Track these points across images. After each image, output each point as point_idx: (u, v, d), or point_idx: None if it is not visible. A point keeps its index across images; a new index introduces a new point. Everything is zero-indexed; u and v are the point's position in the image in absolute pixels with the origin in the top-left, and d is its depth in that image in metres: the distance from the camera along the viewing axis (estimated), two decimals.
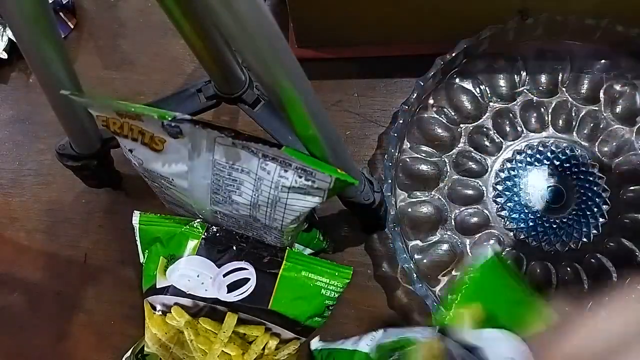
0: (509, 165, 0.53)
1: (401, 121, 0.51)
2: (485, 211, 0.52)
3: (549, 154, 0.53)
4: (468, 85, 0.55)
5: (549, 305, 0.38)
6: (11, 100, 0.67)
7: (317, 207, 0.39)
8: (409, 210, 0.53)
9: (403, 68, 0.59)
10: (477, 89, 0.55)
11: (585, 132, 0.53)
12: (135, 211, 0.48)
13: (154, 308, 0.48)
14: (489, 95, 0.55)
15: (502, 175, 0.53)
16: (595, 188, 0.51)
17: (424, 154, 0.54)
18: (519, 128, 0.54)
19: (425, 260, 0.51)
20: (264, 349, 0.46)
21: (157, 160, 0.40)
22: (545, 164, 0.53)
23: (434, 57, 0.52)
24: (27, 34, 0.36)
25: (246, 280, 0.45)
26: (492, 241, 0.50)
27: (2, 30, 0.66)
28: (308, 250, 0.51)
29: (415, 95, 0.51)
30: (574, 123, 0.53)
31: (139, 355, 0.50)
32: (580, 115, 0.53)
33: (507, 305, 0.38)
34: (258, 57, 0.30)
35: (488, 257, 0.39)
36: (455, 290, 0.39)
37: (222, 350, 0.45)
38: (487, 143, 0.54)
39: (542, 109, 0.54)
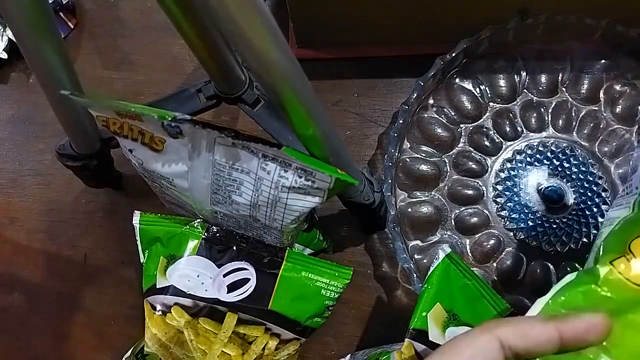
0: (509, 165, 0.53)
1: (401, 121, 0.51)
2: (485, 211, 0.52)
3: (549, 154, 0.53)
4: (468, 85, 0.55)
5: (505, 298, 0.39)
6: (11, 100, 0.67)
7: (317, 207, 0.39)
8: (409, 210, 0.53)
9: (403, 68, 0.59)
10: (477, 89, 0.55)
11: (585, 132, 0.53)
12: (135, 211, 0.48)
13: (154, 308, 0.48)
14: (489, 95, 0.55)
15: (502, 175, 0.53)
16: (595, 188, 0.51)
17: (424, 154, 0.54)
18: (519, 128, 0.54)
19: (425, 260, 0.51)
20: (263, 349, 0.46)
21: (157, 160, 0.40)
22: (545, 164, 0.53)
23: (434, 57, 0.52)
24: (27, 34, 0.36)
25: (246, 280, 0.45)
26: (445, 245, 0.50)
27: (2, 30, 0.66)
28: (308, 250, 0.51)
29: (415, 95, 0.51)
30: (574, 123, 0.53)
31: (139, 355, 0.50)
32: (580, 115, 0.53)
33: (466, 302, 0.39)
34: (258, 57, 0.30)
35: (440, 259, 0.40)
36: (419, 295, 0.40)
37: (222, 351, 0.45)
38: (487, 143, 0.54)
39: (542, 109, 0.54)
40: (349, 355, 0.50)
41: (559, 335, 0.24)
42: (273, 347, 0.46)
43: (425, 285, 0.40)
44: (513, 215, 0.52)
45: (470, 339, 0.25)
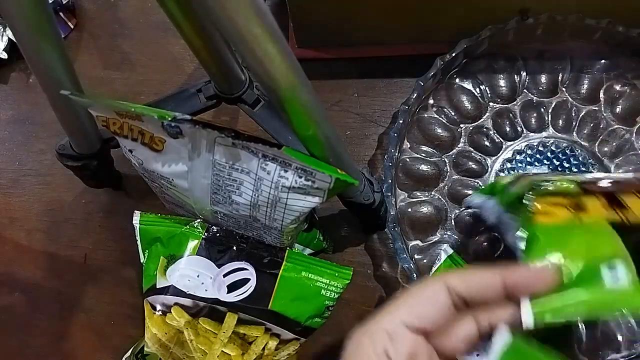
0: (509, 165, 0.53)
1: (401, 121, 0.51)
2: None
3: (549, 154, 0.53)
4: (468, 85, 0.55)
5: None
6: (11, 100, 0.67)
7: (317, 207, 0.39)
8: (409, 210, 0.53)
9: (403, 68, 0.59)
10: (477, 89, 0.55)
11: (585, 132, 0.53)
12: (135, 211, 0.48)
13: (154, 308, 0.48)
14: (489, 95, 0.55)
15: (502, 175, 0.53)
16: None
17: (424, 154, 0.54)
18: (519, 128, 0.54)
19: (425, 260, 0.51)
20: (263, 349, 0.46)
21: (157, 160, 0.40)
22: (545, 164, 0.53)
23: (434, 57, 0.52)
24: (27, 34, 0.36)
25: (246, 280, 0.45)
26: (446, 245, 0.50)
27: (2, 30, 0.66)
28: (308, 250, 0.51)
29: (415, 95, 0.51)
30: (574, 123, 0.53)
31: (138, 355, 0.51)
32: (580, 115, 0.53)
33: None
34: (258, 57, 0.30)
35: (442, 260, 0.40)
36: None
37: (222, 351, 0.45)
38: (487, 143, 0.54)
39: (542, 109, 0.54)
40: None
41: (501, 282, 0.26)
42: (273, 347, 0.46)
43: None
44: None
45: (421, 286, 0.27)
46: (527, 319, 0.25)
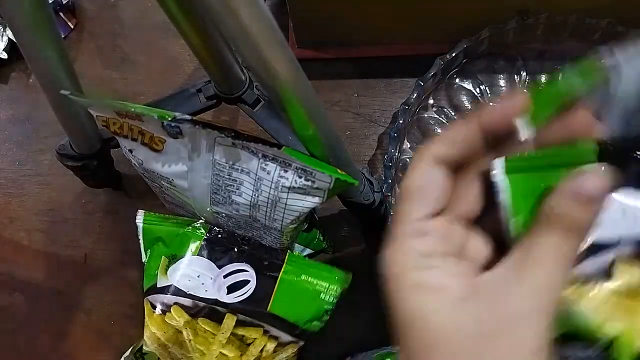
0: None
1: (401, 121, 0.51)
2: None
3: None
4: (468, 85, 0.55)
5: None
6: (11, 100, 0.67)
7: (317, 207, 0.39)
8: None
9: (403, 68, 0.59)
10: (477, 89, 0.55)
11: None
12: (139, 210, 0.48)
13: (154, 307, 0.48)
14: (489, 95, 0.55)
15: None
16: None
17: None
18: None
19: None
20: (261, 351, 0.46)
21: (157, 160, 0.40)
22: None
23: (434, 57, 0.52)
24: (27, 34, 0.36)
25: (246, 282, 0.45)
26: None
27: (2, 30, 0.66)
28: (308, 250, 0.51)
29: (415, 95, 0.51)
30: None
31: (137, 354, 0.51)
32: None
33: None
34: (258, 57, 0.30)
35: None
36: None
37: (220, 352, 0.45)
38: None
39: None
40: (349, 357, 0.50)
41: (479, 125, 0.24)
42: (271, 349, 0.46)
43: None
44: None
45: (410, 175, 0.25)
46: (523, 129, 0.23)
